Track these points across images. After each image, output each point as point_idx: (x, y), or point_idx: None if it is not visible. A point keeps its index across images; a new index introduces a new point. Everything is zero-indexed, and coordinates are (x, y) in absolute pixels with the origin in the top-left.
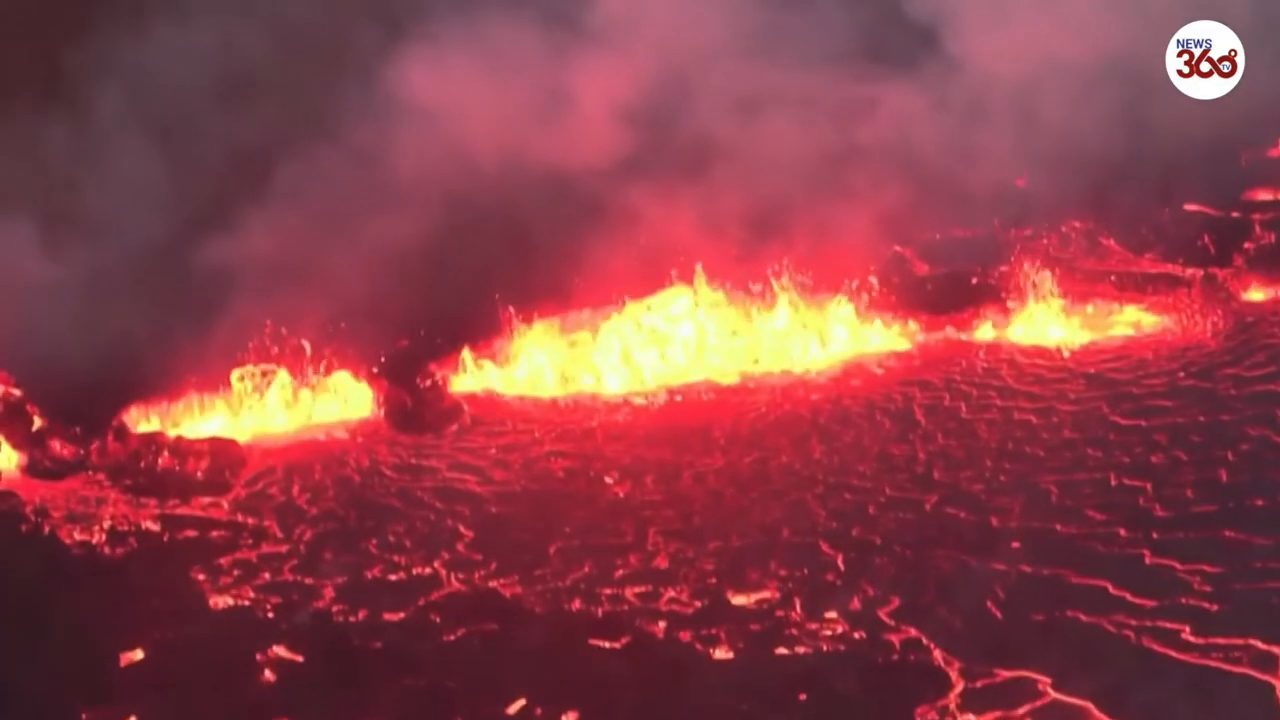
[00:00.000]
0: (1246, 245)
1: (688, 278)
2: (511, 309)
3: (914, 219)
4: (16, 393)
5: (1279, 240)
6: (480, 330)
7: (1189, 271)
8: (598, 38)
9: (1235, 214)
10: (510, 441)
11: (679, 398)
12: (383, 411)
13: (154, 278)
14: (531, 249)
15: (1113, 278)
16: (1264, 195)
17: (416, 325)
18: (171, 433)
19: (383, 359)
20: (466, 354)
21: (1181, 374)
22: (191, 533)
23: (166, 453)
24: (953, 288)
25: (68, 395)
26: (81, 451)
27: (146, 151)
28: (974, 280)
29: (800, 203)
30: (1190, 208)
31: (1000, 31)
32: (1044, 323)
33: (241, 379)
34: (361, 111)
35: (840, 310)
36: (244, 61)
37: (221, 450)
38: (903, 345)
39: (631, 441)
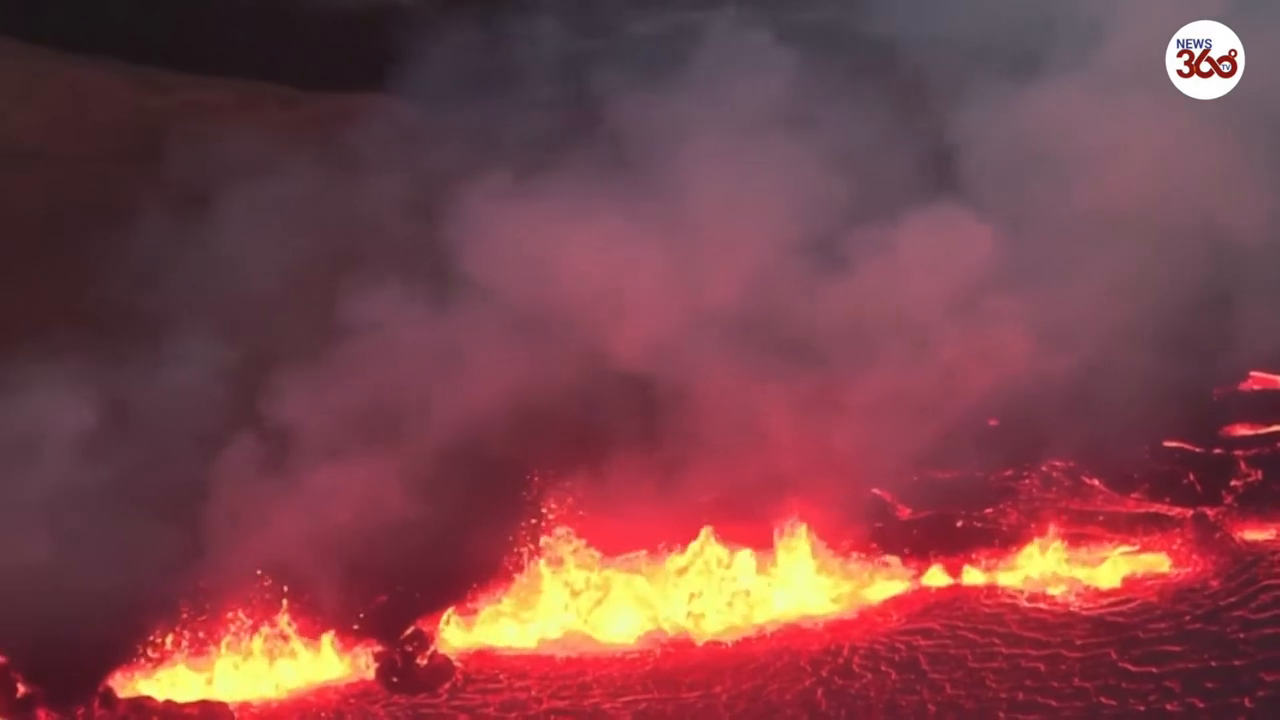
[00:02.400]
0: (1234, 483)
1: (674, 529)
2: (499, 560)
3: (890, 462)
4: (0, 659)
5: (1267, 477)
6: (465, 583)
7: (1178, 511)
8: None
9: (1218, 450)
10: (507, 699)
11: (673, 649)
12: (374, 671)
13: (134, 538)
14: (513, 497)
15: (1101, 518)
16: (1243, 430)
17: (396, 579)
18: (160, 697)
19: (363, 616)
20: (451, 611)
21: (1187, 617)
22: None
23: (155, 718)
24: (940, 531)
25: (53, 660)
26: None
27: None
28: (959, 523)
29: (782, 448)
30: (1170, 444)
31: (964, 272)
32: (1038, 566)
33: (228, 640)
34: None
35: (832, 556)
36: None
37: (211, 715)
38: (898, 590)
39: (631, 696)
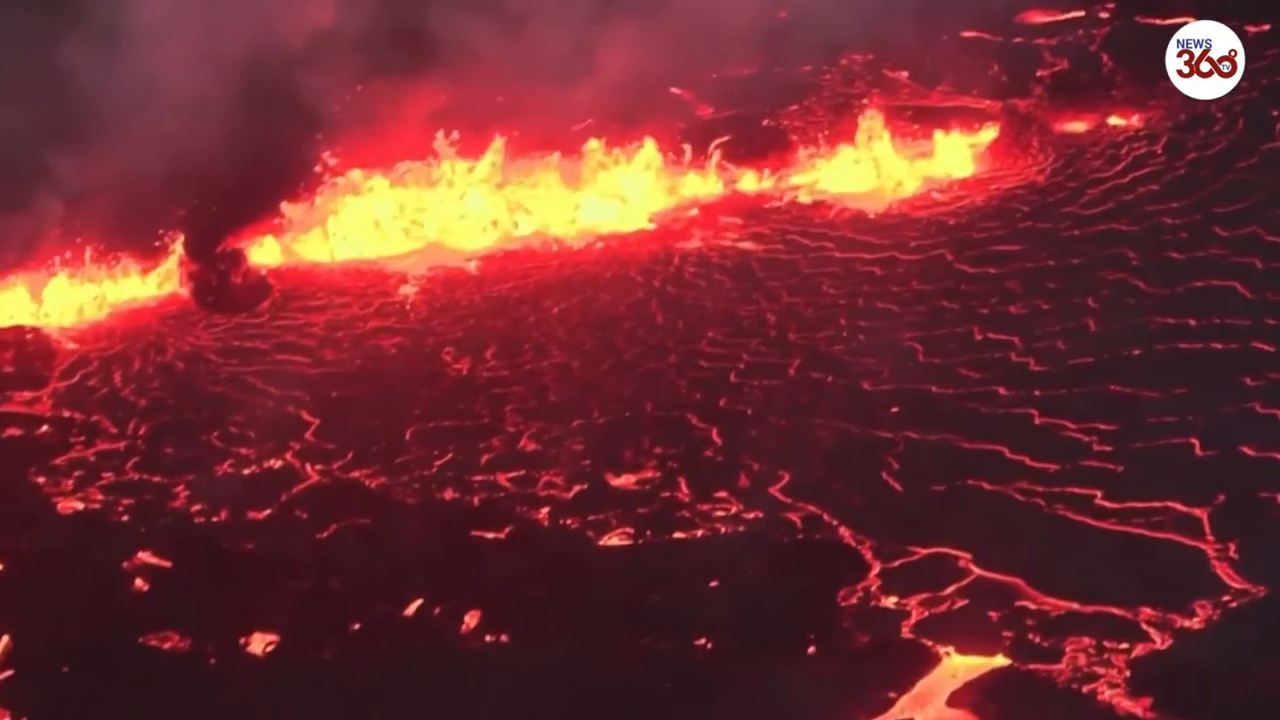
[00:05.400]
0: (1040, 73)
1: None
2: (311, 169)
3: (682, 60)
4: None
5: (1073, 65)
6: (270, 197)
7: (988, 103)
8: None
9: (1019, 40)
10: (332, 317)
11: (496, 261)
12: (188, 290)
13: None
14: (323, 104)
15: (910, 113)
16: (1039, 18)
17: (202, 194)
18: None
19: (165, 231)
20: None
21: (1018, 215)
22: (16, 431)
23: None
24: (748, 132)
25: None
26: None
27: None
28: (765, 122)
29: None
30: (968, 34)
31: None
32: (856, 164)
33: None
34: None
35: (644, 160)
36: None
37: (27, 340)
38: (715, 194)
39: (459, 312)
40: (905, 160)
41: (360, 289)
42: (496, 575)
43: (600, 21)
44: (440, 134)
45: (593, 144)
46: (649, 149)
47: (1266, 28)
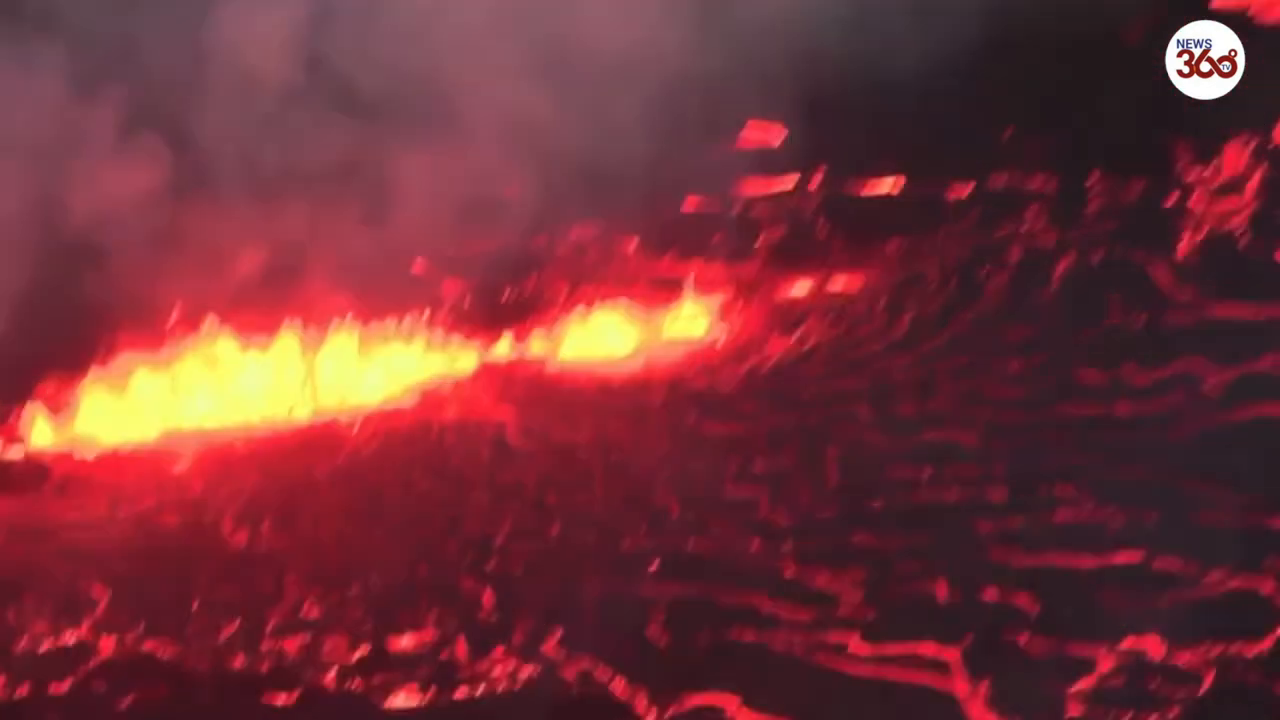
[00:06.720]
0: (760, 239)
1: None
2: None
3: (419, 237)
4: None
5: (792, 232)
6: (37, 380)
7: (714, 270)
8: None
9: (737, 209)
10: (112, 496)
11: (267, 435)
12: None
13: None
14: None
15: (642, 281)
16: (755, 187)
17: None
18: None
19: None
20: (35, 408)
21: (755, 376)
22: None
23: None
24: (489, 304)
25: None
26: None
27: None
28: (506, 294)
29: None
30: (690, 204)
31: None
32: (596, 332)
33: None
34: None
35: (396, 337)
36: None
37: None
38: (467, 366)
39: (234, 487)
40: (643, 325)
41: (138, 468)
42: None
43: (340, 201)
44: (207, 319)
45: (341, 330)
46: (400, 326)
47: (969, 189)
